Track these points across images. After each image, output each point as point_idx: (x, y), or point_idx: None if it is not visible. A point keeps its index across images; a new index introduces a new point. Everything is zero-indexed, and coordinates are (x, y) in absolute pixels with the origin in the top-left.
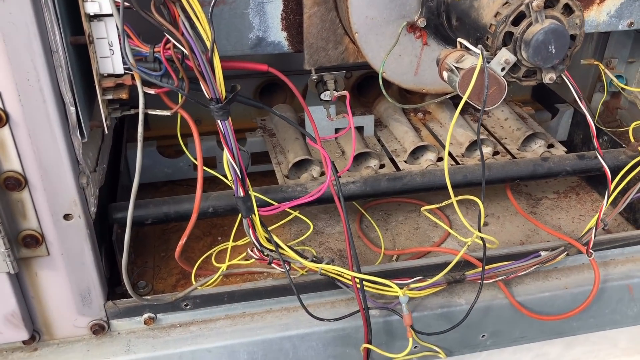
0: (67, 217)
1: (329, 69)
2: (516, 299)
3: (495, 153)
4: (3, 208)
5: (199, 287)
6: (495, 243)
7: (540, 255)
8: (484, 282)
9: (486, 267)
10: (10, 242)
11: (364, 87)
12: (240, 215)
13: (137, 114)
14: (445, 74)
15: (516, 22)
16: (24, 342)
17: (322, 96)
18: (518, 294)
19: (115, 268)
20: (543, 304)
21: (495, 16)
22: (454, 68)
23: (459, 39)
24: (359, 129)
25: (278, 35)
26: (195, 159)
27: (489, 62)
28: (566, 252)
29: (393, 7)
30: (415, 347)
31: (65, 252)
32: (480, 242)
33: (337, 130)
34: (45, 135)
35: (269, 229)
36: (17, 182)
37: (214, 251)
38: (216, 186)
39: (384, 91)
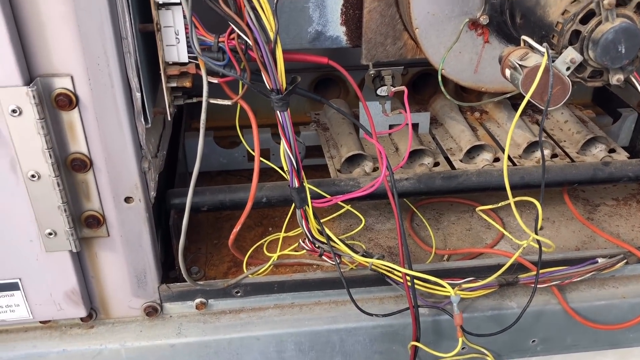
0: (128, 200)
1: (386, 64)
2: (570, 305)
3: (554, 156)
4: (68, 188)
5: (250, 275)
6: (552, 247)
7: (597, 262)
8: (537, 286)
9: (540, 271)
10: (74, 222)
11: (419, 84)
12: (292, 206)
13: (196, 103)
14: (507, 72)
15: (584, 20)
16: (81, 319)
17: (378, 91)
18: (572, 301)
19: (169, 252)
20: (598, 313)
21: (562, 14)
22: (517, 66)
23: (523, 37)
24: (414, 126)
25: (337, 30)
26: (252, 150)
27: (553, 61)
28: (625, 261)
29: (455, 3)
30: (464, 348)
31: (125, 234)
32: (535, 246)
33: (391, 127)
34: (111, 119)
35: (321, 221)
36: (83, 164)
37: (266, 241)
38: (268, 178)
39: (442, 88)
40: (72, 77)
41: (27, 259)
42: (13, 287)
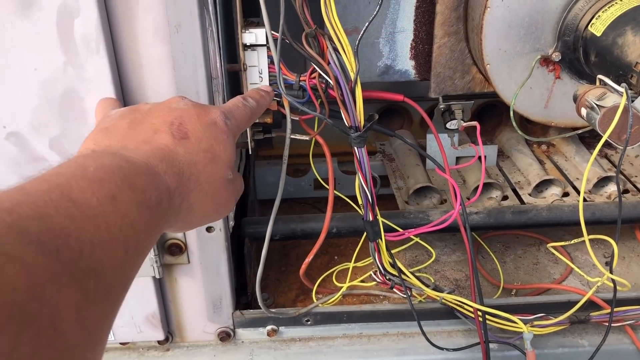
0: (209, 229)
1: (453, 97)
2: None
3: (625, 192)
4: None
5: (320, 305)
6: (627, 286)
7: None
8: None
9: (614, 310)
10: (159, 249)
11: (483, 115)
12: (362, 238)
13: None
14: (584, 111)
15: None
16: (158, 342)
17: (448, 125)
18: None
19: (240, 279)
20: None
21: None
22: (595, 106)
23: (599, 76)
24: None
25: (406, 64)
26: (322, 180)
27: (632, 101)
28: None
29: (527, 40)
30: None
31: (204, 261)
32: (609, 284)
33: (458, 159)
34: None
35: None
36: None
37: (335, 270)
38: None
39: (514, 123)
40: None
41: None
42: None
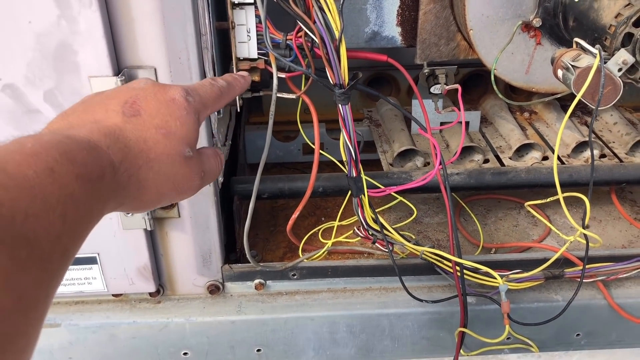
0: None
1: (438, 64)
2: (615, 301)
3: (602, 156)
4: None
5: (305, 260)
6: (599, 241)
7: None
8: (583, 280)
9: (587, 266)
10: None
11: (470, 84)
12: (347, 197)
13: (255, 99)
14: (560, 72)
15: (637, 23)
16: (150, 294)
17: (432, 89)
18: (617, 297)
19: (230, 236)
20: None
21: (615, 17)
22: (569, 66)
23: (575, 39)
24: (465, 125)
25: (392, 30)
26: (311, 142)
27: (605, 62)
28: None
29: (509, 6)
30: (509, 338)
31: (194, 215)
32: (582, 242)
33: (442, 124)
34: None
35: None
36: None
37: (321, 228)
38: (321, 171)
39: (495, 87)
40: (155, 69)
41: (106, 236)
42: (92, 261)
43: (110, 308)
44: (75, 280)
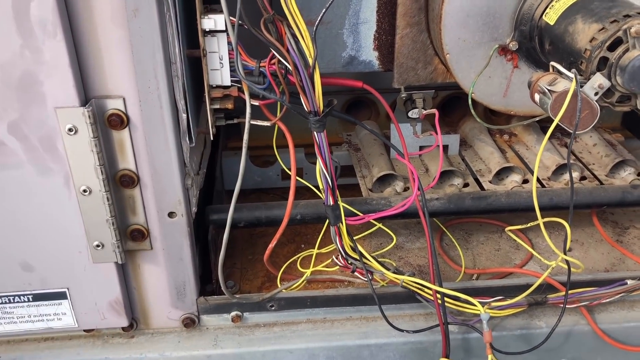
0: (171, 215)
1: (416, 88)
2: (599, 326)
3: (583, 178)
4: (117, 203)
5: (284, 290)
6: (581, 267)
7: (626, 284)
8: (566, 306)
9: (569, 292)
10: (120, 235)
11: (449, 107)
12: (325, 224)
13: (232, 125)
14: (537, 96)
15: (612, 47)
16: (123, 328)
17: (410, 114)
18: (601, 322)
19: (206, 267)
20: (627, 334)
21: (590, 41)
22: (546, 90)
23: (552, 63)
24: (444, 148)
25: (370, 55)
26: (288, 168)
27: (582, 86)
28: None
29: (485, 30)
30: None
31: (167, 247)
32: (564, 266)
33: (421, 148)
34: (159, 138)
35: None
36: (131, 180)
37: (299, 257)
38: (301, 196)
39: (472, 111)
40: (124, 99)
41: (76, 270)
42: (61, 296)
43: (82, 344)
44: (44, 316)
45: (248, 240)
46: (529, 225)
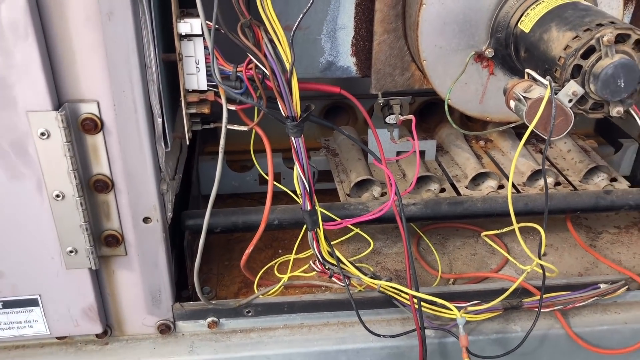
0: (146, 220)
1: (394, 94)
2: (573, 329)
3: (557, 184)
4: (90, 208)
5: (261, 296)
6: (555, 271)
7: (599, 288)
8: (541, 310)
9: (544, 296)
10: (94, 240)
11: (426, 113)
12: (303, 229)
13: (209, 129)
14: (512, 103)
15: (586, 55)
16: (97, 335)
17: (387, 119)
18: (575, 325)
19: (181, 273)
20: (601, 337)
21: (564, 49)
22: (521, 97)
23: (527, 70)
24: (421, 154)
25: (347, 61)
26: (265, 173)
27: (556, 93)
28: (627, 287)
29: (462, 37)
30: None
31: (142, 253)
32: (539, 271)
33: (398, 153)
34: (133, 142)
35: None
36: (105, 185)
37: (276, 262)
38: (279, 201)
39: (449, 117)
40: (98, 103)
41: (48, 276)
42: (33, 303)
43: (54, 352)
44: (14, 324)
45: (225, 246)
46: (504, 230)
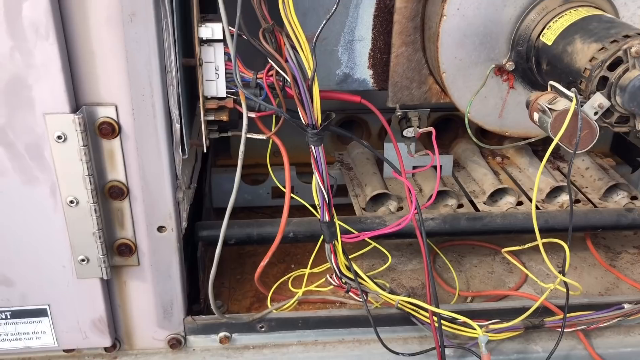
0: (160, 229)
1: (410, 107)
2: (596, 351)
3: (577, 201)
4: (104, 215)
5: (274, 310)
6: (579, 289)
7: (623, 308)
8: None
9: (567, 315)
10: (107, 249)
11: (440, 128)
12: (319, 243)
13: (222, 141)
14: (536, 115)
15: (612, 67)
16: (105, 349)
17: (405, 132)
18: (598, 347)
19: (193, 285)
20: None
21: (590, 61)
22: (546, 109)
23: (551, 82)
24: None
25: (364, 73)
26: (281, 186)
27: (582, 105)
28: None
29: (482, 49)
30: None
31: (155, 263)
32: (561, 289)
33: (415, 168)
34: (151, 148)
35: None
36: (120, 192)
37: (291, 276)
38: (291, 215)
39: (469, 131)
40: (116, 107)
41: (58, 285)
42: (42, 313)
43: None
44: (21, 335)
45: (237, 259)
46: (526, 246)
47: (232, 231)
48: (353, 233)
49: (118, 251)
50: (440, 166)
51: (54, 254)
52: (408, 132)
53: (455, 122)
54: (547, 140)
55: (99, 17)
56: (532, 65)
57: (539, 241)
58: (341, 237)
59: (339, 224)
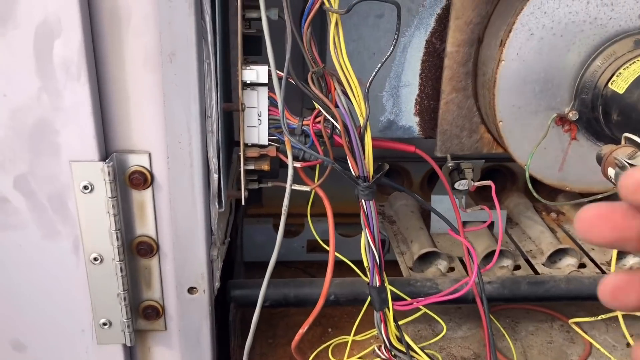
0: (191, 290)
1: (459, 157)
2: None
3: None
4: (130, 274)
5: None
6: None
7: None
8: None
9: None
10: (132, 312)
11: (486, 180)
12: (364, 307)
13: (252, 190)
14: (611, 171)
15: None
16: None
17: (457, 185)
18: None
19: (222, 351)
20: None
21: None
22: (626, 164)
23: (627, 135)
24: (489, 226)
25: (410, 120)
26: (320, 239)
27: None
28: None
29: (543, 97)
30: None
31: (183, 328)
32: None
33: (465, 224)
34: (185, 200)
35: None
36: (150, 248)
37: (331, 344)
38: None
39: (530, 186)
40: (150, 155)
41: (76, 352)
42: None
43: None
44: None
45: (267, 321)
46: (600, 317)
47: (267, 292)
48: (405, 299)
49: (144, 314)
50: (491, 224)
51: (73, 317)
52: (460, 185)
53: (502, 174)
54: (613, 197)
55: (136, 57)
56: (599, 115)
57: (619, 312)
58: (392, 304)
59: (390, 289)
